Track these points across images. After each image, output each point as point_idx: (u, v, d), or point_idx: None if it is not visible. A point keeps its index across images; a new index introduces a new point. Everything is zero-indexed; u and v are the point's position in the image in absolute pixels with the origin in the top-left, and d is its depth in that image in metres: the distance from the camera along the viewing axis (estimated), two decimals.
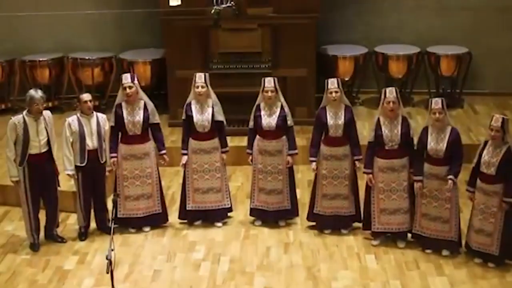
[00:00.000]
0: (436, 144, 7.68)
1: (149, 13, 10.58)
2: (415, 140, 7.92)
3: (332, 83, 8.10)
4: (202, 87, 8.27)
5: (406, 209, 7.96)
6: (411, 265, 7.74)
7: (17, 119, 8.01)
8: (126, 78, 8.21)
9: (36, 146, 7.98)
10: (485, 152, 7.53)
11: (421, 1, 11.47)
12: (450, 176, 7.61)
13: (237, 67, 10.39)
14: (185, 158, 8.39)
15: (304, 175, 9.70)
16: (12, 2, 11.33)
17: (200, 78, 8.29)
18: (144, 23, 11.44)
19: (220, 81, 9.82)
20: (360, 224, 8.31)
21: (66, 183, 8.43)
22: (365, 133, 8.24)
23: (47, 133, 8.02)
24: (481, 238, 7.63)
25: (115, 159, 8.24)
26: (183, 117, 8.39)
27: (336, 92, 8.08)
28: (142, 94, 8.30)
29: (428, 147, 7.71)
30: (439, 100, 7.69)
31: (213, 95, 8.39)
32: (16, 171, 8.01)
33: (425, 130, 7.78)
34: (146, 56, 11.15)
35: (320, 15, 10.45)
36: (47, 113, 8.11)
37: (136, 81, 8.23)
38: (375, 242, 8.12)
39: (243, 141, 9.46)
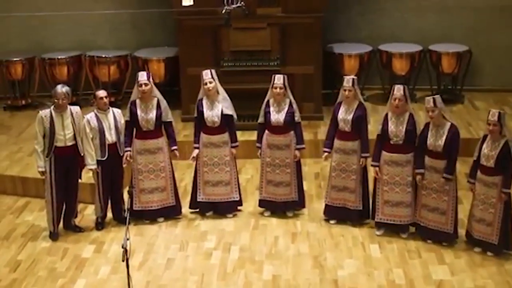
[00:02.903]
0: (435, 140, 7.67)
1: (163, 13, 10.58)
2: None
3: (347, 81, 8.08)
4: (210, 82, 8.24)
5: (409, 202, 7.94)
6: (413, 254, 7.72)
7: (44, 113, 8.01)
8: (142, 76, 8.19)
9: (62, 140, 7.98)
10: (484, 145, 7.52)
11: (423, 1, 11.43)
12: (445, 175, 7.63)
13: (247, 65, 10.37)
14: (196, 151, 8.37)
15: (311, 168, 9.69)
16: (32, 2, 11.32)
17: (206, 74, 8.27)
18: (158, 22, 11.43)
19: (231, 78, 9.81)
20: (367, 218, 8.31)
21: (84, 175, 8.41)
22: (369, 127, 8.22)
23: (74, 128, 8.03)
24: (482, 227, 7.62)
25: (129, 152, 8.23)
26: (195, 113, 8.38)
27: (349, 90, 8.05)
28: (156, 92, 8.28)
29: (428, 142, 7.70)
30: (430, 99, 7.67)
31: (222, 91, 8.37)
32: (42, 162, 8.02)
33: (426, 126, 7.77)
34: (160, 54, 11.14)
35: (326, 15, 10.43)
36: (75, 109, 8.10)
37: (151, 79, 8.21)
38: (378, 232, 8.11)
39: (253, 136, 9.46)
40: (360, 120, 8.06)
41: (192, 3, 8.07)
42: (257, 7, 10.19)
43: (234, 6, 8.51)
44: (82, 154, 8.07)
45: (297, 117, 8.29)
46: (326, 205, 8.38)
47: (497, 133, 7.43)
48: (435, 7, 11.41)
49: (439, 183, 7.72)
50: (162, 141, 8.31)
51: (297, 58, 10.35)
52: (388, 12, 11.49)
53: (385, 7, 11.50)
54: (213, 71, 8.33)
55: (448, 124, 7.68)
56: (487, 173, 7.51)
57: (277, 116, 8.26)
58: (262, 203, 8.57)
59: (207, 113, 8.28)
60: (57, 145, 7.97)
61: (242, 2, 8.60)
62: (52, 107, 8.02)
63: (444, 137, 7.64)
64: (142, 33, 11.62)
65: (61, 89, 7.97)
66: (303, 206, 8.57)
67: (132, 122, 8.21)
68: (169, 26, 11.09)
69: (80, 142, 8.05)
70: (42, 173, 8.06)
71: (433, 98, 7.64)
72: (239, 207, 8.63)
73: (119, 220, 8.40)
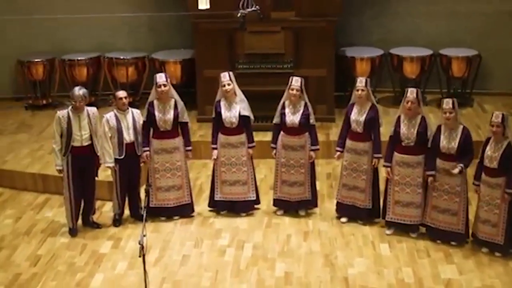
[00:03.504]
0: (448, 142, 7.65)
1: (180, 16, 10.60)
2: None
3: (360, 82, 8.08)
4: (228, 84, 8.26)
5: (419, 203, 7.92)
6: (422, 254, 7.72)
7: (61, 113, 8.06)
8: (161, 78, 8.22)
9: (78, 140, 8.02)
10: (488, 147, 7.51)
11: (433, 6, 11.40)
12: (460, 165, 7.57)
13: (261, 67, 10.39)
14: (215, 152, 8.39)
15: (323, 168, 9.69)
16: (53, 5, 11.38)
17: (224, 76, 8.29)
18: (175, 25, 11.47)
19: (245, 80, 9.78)
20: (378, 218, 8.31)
21: (102, 173, 8.47)
22: (381, 129, 8.22)
23: (90, 128, 8.07)
24: (487, 228, 7.60)
25: (147, 152, 8.27)
26: (213, 114, 8.39)
27: (362, 90, 8.04)
28: (173, 93, 8.31)
29: (441, 145, 7.67)
30: (450, 100, 7.64)
31: (240, 92, 8.40)
32: (60, 161, 8.07)
33: (438, 128, 7.74)
34: (176, 56, 11.18)
35: (339, 19, 10.42)
36: (92, 110, 8.14)
37: (169, 81, 8.24)
38: (388, 232, 8.10)
39: (267, 136, 9.49)
40: (372, 122, 8.06)
41: (208, 6, 8.08)
42: (271, 11, 10.20)
43: (249, 10, 8.51)
44: (98, 154, 8.12)
45: (312, 120, 8.30)
46: (337, 202, 8.40)
47: (500, 135, 7.42)
48: (446, 12, 11.38)
49: (451, 185, 7.71)
50: (178, 141, 8.34)
51: (310, 61, 10.36)
52: (400, 17, 11.48)
53: (396, 12, 11.49)
54: (231, 73, 8.35)
55: (461, 127, 7.66)
56: (491, 174, 7.50)
57: (292, 118, 8.28)
58: (276, 202, 8.59)
59: (225, 114, 8.30)
60: (74, 145, 8.01)
61: (257, 6, 8.59)
62: (70, 108, 8.06)
63: (458, 140, 7.62)
64: (160, 35, 11.66)
65: (79, 91, 8.01)
66: (316, 205, 8.58)
67: (150, 122, 8.25)
68: (186, 29, 11.12)
69: (96, 142, 8.10)
70: (60, 171, 8.11)
71: (452, 100, 7.62)
72: (255, 206, 8.65)
73: (136, 217, 8.44)
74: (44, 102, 11.62)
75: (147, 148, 8.26)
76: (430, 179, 7.79)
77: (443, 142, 7.67)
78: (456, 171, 7.59)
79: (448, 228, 7.81)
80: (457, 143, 7.61)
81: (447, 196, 7.78)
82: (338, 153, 8.25)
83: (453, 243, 7.83)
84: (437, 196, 7.83)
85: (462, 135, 7.62)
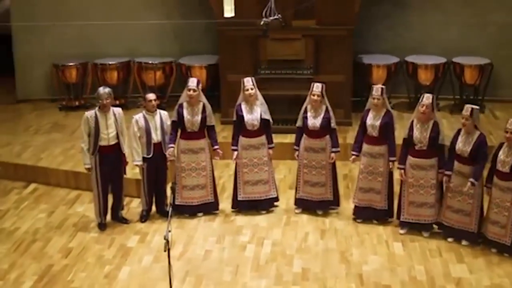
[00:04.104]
0: (463, 146, 7.62)
1: (206, 23, 10.63)
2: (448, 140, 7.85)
3: (377, 90, 8.08)
4: (251, 89, 8.28)
5: (432, 203, 7.88)
6: (434, 253, 7.67)
7: (89, 113, 8.10)
8: (193, 82, 8.26)
9: (105, 139, 8.06)
10: (500, 152, 7.48)
11: (447, 16, 11.34)
12: (471, 179, 7.55)
13: (282, 73, 10.37)
14: (235, 153, 8.40)
15: (340, 170, 9.63)
16: (87, 12, 11.46)
17: (248, 82, 8.31)
18: (201, 32, 11.49)
19: (267, 84, 9.81)
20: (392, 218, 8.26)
21: (130, 171, 8.50)
22: (395, 133, 8.19)
23: (116, 127, 8.10)
24: (496, 229, 7.56)
25: (172, 149, 8.28)
26: (234, 117, 8.40)
27: (378, 99, 8.05)
28: (203, 97, 8.34)
29: (457, 147, 7.66)
30: (469, 107, 7.62)
31: (260, 97, 8.40)
32: (88, 160, 8.11)
33: (458, 132, 7.74)
34: (202, 61, 11.19)
35: (357, 27, 10.39)
36: (117, 110, 8.17)
37: (199, 86, 8.27)
38: (402, 231, 8.06)
39: (287, 138, 9.48)
40: (387, 126, 8.03)
41: (233, 14, 8.09)
42: (293, 20, 10.18)
43: (271, 18, 8.50)
44: (124, 152, 8.14)
45: (333, 123, 8.31)
46: (354, 205, 8.36)
47: None
48: (458, 22, 11.31)
49: (465, 186, 7.66)
50: (204, 142, 8.35)
51: (329, 67, 10.32)
52: (414, 26, 11.42)
53: (412, 21, 11.43)
54: (253, 78, 8.38)
55: (478, 133, 7.62)
56: (503, 178, 7.45)
57: (314, 121, 8.28)
58: (298, 202, 8.57)
59: (247, 117, 8.31)
60: (101, 144, 8.04)
61: (279, 15, 8.59)
62: (97, 108, 8.10)
63: (472, 144, 7.58)
64: (186, 41, 11.69)
65: (104, 90, 8.07)
66: (338, 205, 8.56)
67: (179, 122, 8.28)
68: (211, 35, 11.14)
69: (122, 141, 8.13)
70: (89, 169, 8.16)
71: (472, 108, 7.59)
72: (275, 203, 8.65)
73: (162, 213, 8.46)
74: (77, 103, 11.69)
75: (173, 145, 8.26)
76: (445, 178, 7.75)
77: (459, 144, 7.65)
78: (466, 188, 7.58)
79: (461, 227, 7.77)
80: (471, 147, 7.58)
81: (461, 198, 7.73)
82: (354, 157, 8.23)
83: (464, 242, 7.77)
84: (452, 197, 7.79)
85: (477, 141, 7.58)
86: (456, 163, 7.70)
